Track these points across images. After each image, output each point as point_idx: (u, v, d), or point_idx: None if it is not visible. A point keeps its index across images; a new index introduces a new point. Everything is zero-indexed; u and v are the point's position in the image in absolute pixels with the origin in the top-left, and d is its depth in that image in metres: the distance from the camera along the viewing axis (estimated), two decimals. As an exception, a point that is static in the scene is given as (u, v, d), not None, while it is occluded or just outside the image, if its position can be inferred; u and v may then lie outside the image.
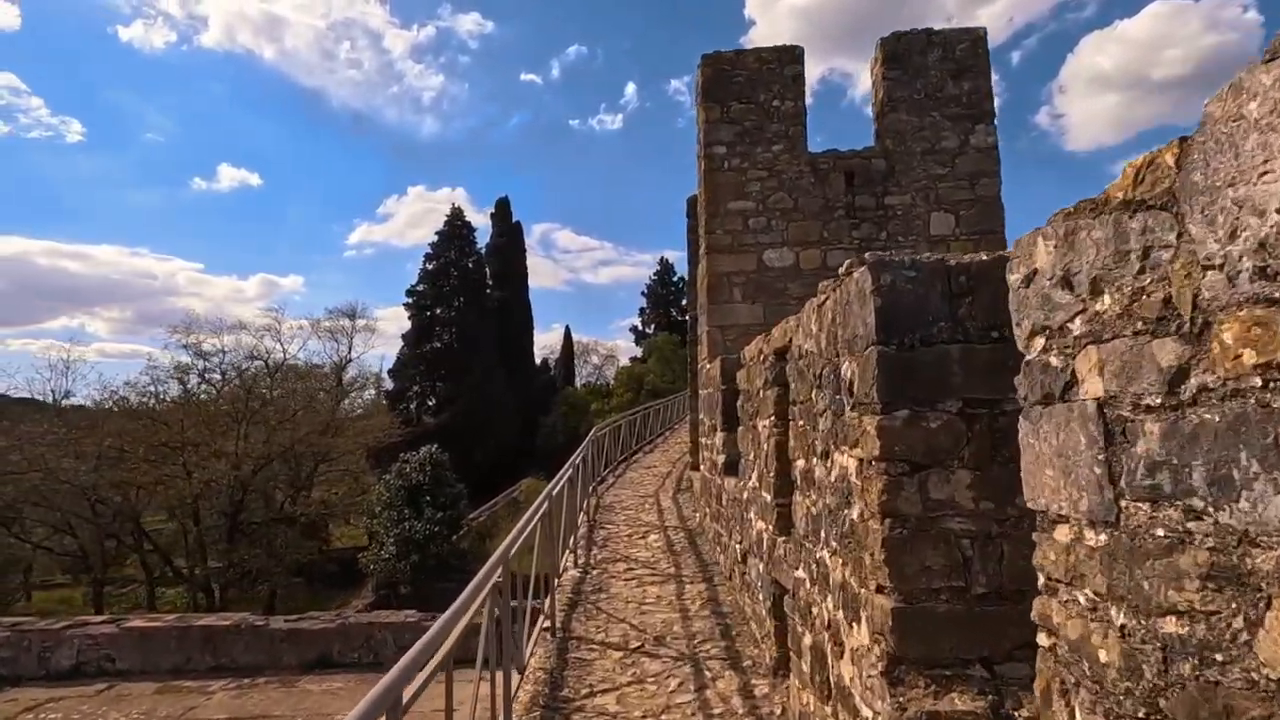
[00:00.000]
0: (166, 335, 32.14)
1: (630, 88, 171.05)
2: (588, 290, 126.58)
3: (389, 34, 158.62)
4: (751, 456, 6.36)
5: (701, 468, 9.37)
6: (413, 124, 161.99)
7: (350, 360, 46.77)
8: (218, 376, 33.93)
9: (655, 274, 65.56)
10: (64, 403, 30.35)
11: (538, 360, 60.51)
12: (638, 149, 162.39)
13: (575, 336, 66.70)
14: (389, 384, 43.90)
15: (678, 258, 73.54)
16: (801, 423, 4.41)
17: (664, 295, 64.85)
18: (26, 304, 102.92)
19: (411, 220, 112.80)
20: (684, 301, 66.68)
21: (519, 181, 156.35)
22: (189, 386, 29.52)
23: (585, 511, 10.18)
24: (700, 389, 9.57)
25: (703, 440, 9.24)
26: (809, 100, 9.56)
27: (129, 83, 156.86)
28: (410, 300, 43.43)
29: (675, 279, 64.69)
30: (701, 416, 9.30)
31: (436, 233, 44.36)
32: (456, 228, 44.52)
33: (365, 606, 17.32)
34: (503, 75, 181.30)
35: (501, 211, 50.18)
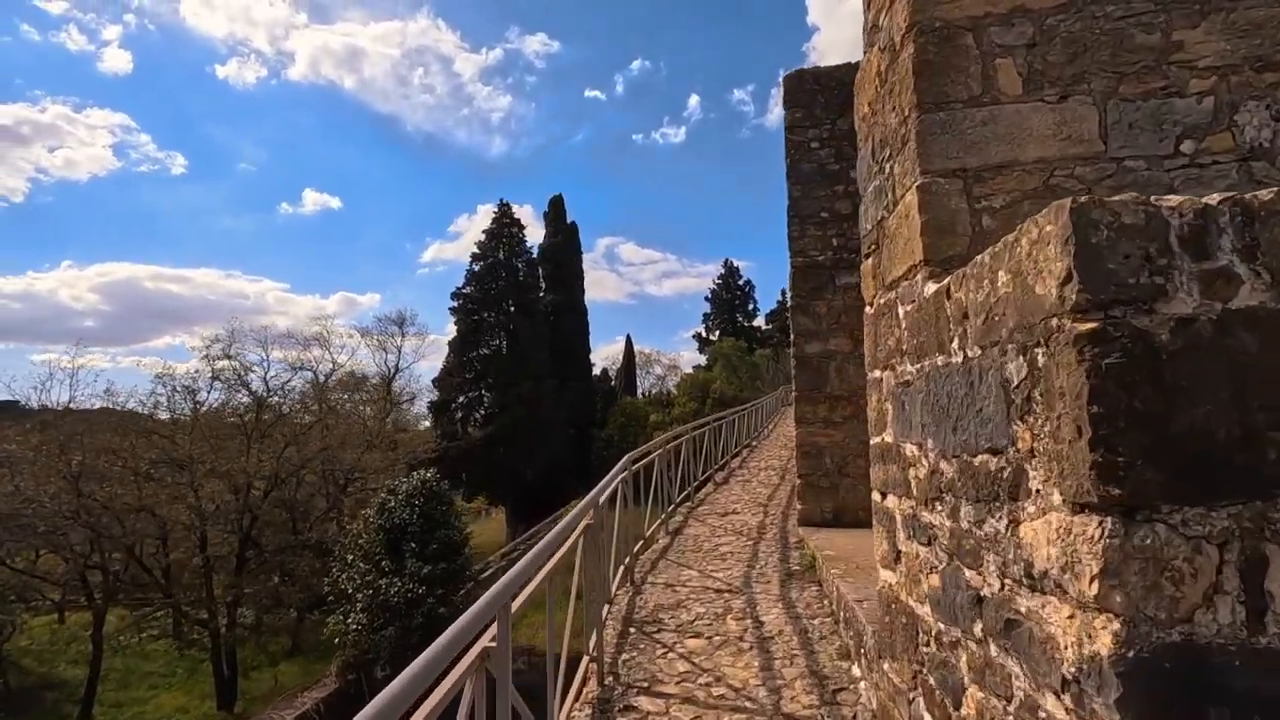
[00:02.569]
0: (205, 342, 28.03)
1: (693, 99, 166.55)
2: (651, 303, 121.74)
3: (459, 58, 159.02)
4: None
5: (886, 576, 3.17)
6: (482, 144, 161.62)
7: (398, 371, 42.53)
8: (257, 387, 29.76)
9: (719, 279, 59.33)
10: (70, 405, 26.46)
11: (597, 370, 55.06)
12: (700, 160, 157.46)
13: (637, 347, 60.87)
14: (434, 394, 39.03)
15: (743, 266, 67.26)
16: None
17: (729, 300, 58.50)
18: (135, 324, 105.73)
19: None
20: (751, 306, 60.25)
21: (583, 196, 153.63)
22: (199, 399, 25.14)
23: (595, 656, 4.21)
24: (873, 367, 3.51)
25: (899, 506, 2.99)
26: None
27: (225, 117, 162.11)
28: (456, 304, 38.54)
29: (742, 281, 58.29)
30: (893, 439, 3.05)
31: (484, 231, 39.43)
32: (504, 225, 39.45)
33: (321, 702, 11.86)
34: (568, 93, 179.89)
35: (555, 211, 45.02)
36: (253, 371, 30.13)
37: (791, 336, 8.38)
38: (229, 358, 27.64)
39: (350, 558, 12.80)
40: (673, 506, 9.10)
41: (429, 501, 12.91)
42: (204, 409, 24.91)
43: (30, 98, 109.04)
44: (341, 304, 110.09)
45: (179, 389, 24.66)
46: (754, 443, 17.92)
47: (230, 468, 22.22)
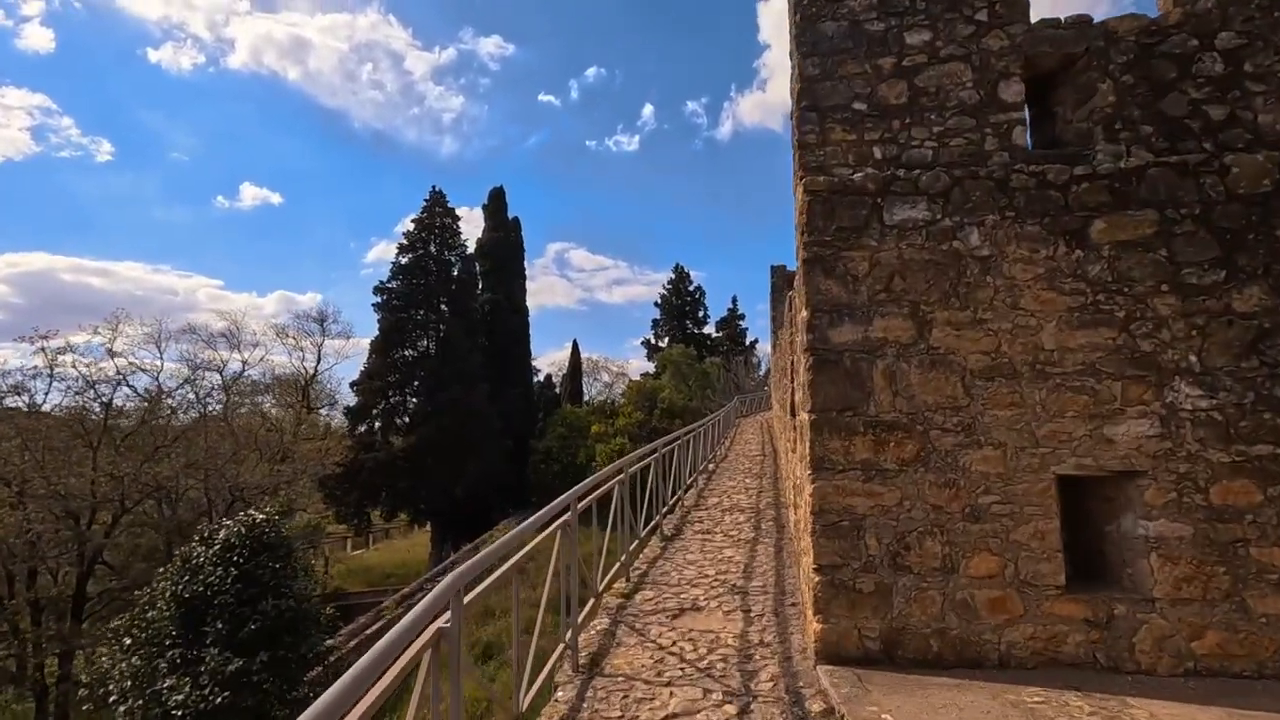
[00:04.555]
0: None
1: (648, 109, 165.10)
2: (601, 310, 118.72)
3: (410, 56, 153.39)
4: None
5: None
6: (432, 144, 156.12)
7: (316, 374, 37.42)
8: (145, 385, 24.79)
9: (670, 283, 55.88)
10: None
11: (541, 376, 50.86)
12: (654, 169, 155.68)
13: (584, 353, 56.84)
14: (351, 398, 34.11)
15: (694, 276, 64.24)
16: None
17: (679, 306, 55.12)
18: (49, 319, 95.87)
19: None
20: (701, 313, 56.85)
21: (535, 201, 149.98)
22: (34, 398, 19.91)
23: None
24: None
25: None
26: None
27: (157, 103, 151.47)
28: (380, 299, 33.83)
29: (692, 287, 54.99)
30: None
31: (413, 220, 34.82)
32: (437, 215, 34.97)
33: None
34: (522, 97, 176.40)
35: (495, 204, 40.73)
36: (141, 370, 25.06)
37: (802, 314, 4.67)
38: (89, 352, 22.48)
39: (128, 641, 8.51)
40: (593, 602, 5.26)
41: (256, 556, 8.74)
42: (36, 411, 19.66)
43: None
44: (280, 303, 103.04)
45: (6, 388, 19.44)
46: (711, 466, 14.23)
47: (61, 487, 17.34)
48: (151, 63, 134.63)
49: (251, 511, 9.28)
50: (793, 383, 5.59)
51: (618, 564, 6.16)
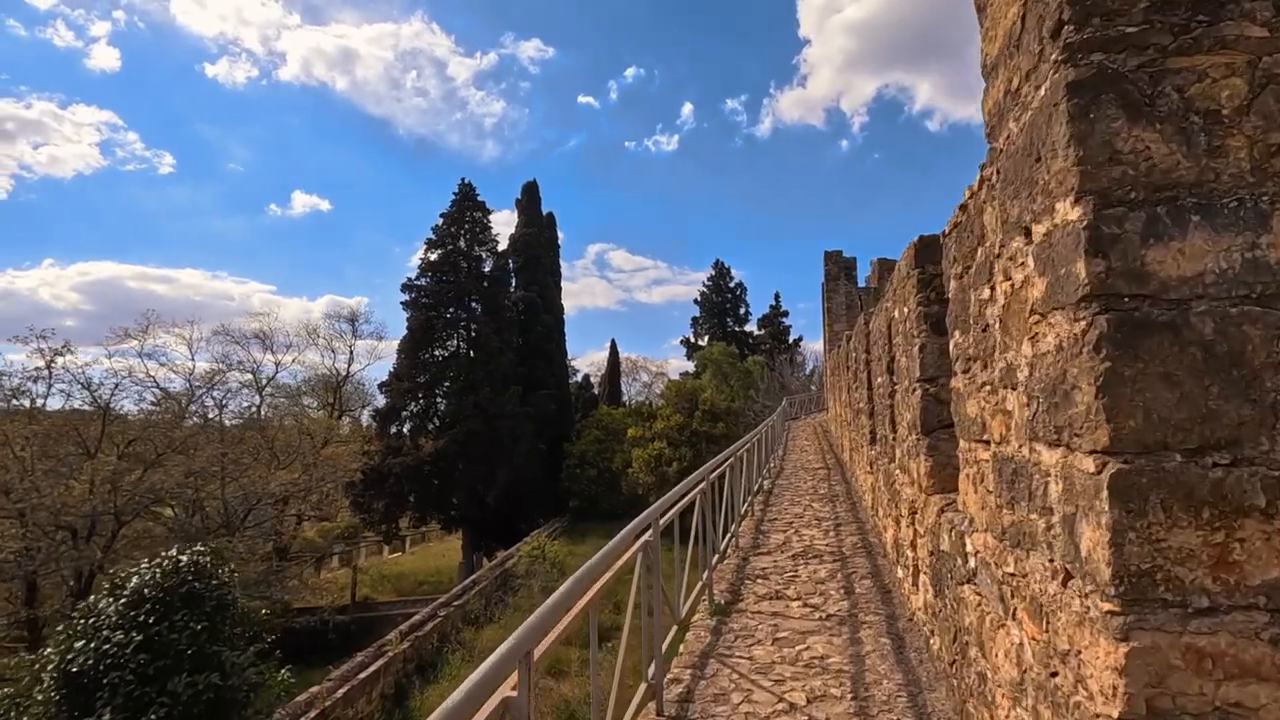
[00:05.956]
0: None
1: (687, 108, 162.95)
2: (641, 310, 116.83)
3: (453, 62, 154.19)
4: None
5: None
6: (474, 149, 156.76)
7: (349, 375, 35.96)
8: (176, 386, 23.92)
9: (710, 280, 53.07)
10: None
11: (579, 377, 48.73)
12: (693, 169, 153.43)
13: (623, 353, 54.39)
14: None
15: (739, 274, 61.55)
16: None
17: (719, 303, 52.24)
18: (117, 324, 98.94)
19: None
20: (742, 310, 53.99)
21: (575, 202, 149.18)
22: (35, 400, 18.45)
23: None
24: None
25: None
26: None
27: (214, 116, 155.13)
28: (408, 297, 31.99)
29: (733, 283, 52.03)
30: None
31: (441, 215, 32.89)
32: (466, 209, 32.99)
33: None
34: (561, 99, 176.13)
35: (529, 198, 38.64)
36: (173, 372, 24.04)
37: (1064, 214, 2.03)
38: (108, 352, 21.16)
39: (13, 713, 6.36)
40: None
41: (171, 615, 6.50)
42: (37, 413, 18.16)
43: (16, 94, 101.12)
44: (329, 307, 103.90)
45: (6, 391, 17.98)
46: (766, 484, 11.54)
47: (49, 498, 15.70)
48: (209, 78, 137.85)
49: (172, 551, 7.00)
50: (969, 371, 2.90)
51: (644, 685, 3.59)
